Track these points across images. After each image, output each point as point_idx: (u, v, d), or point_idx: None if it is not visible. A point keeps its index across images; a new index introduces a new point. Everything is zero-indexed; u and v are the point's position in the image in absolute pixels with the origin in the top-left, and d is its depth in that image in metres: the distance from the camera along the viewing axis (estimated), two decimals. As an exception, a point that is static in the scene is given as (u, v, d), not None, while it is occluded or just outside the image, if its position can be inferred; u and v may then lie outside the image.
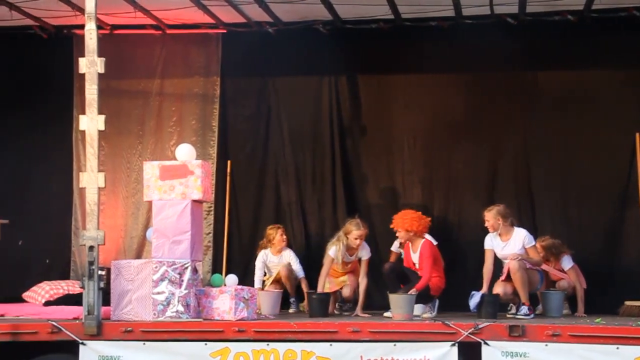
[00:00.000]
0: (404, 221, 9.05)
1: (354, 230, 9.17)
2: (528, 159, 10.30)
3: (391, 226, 9.14)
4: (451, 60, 10.30)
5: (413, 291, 8.63)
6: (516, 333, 7.63)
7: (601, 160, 10.06)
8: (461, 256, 10.05)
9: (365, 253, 9.29)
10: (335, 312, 9.46)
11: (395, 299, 8.54)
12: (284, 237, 9.81)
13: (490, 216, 8.97)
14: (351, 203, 10.44)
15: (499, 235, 8.99)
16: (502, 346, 7.62)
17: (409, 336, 7.79)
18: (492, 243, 9.03)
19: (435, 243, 9.57)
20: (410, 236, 9.06)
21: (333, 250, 9.19)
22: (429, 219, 9.24)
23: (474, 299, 8.58)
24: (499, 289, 8.83)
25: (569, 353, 7.48)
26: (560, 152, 10.21)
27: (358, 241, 9.17)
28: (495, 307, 8.54)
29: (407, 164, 10.46)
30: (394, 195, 10.41)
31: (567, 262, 9.42)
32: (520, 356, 7.55)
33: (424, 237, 9.13)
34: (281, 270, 9.66)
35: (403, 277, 9.01)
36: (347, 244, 9.20)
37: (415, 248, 9.08)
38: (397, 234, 9.17)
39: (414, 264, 9.08)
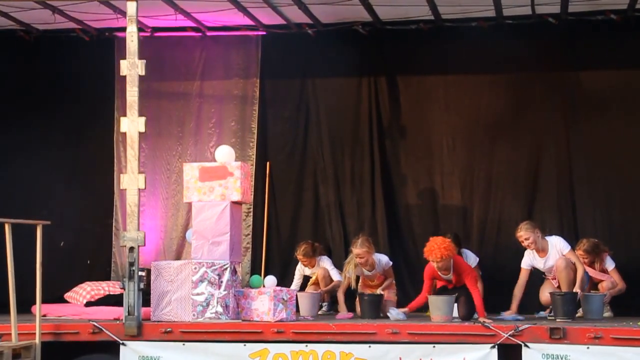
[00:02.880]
0: (441, 250, 8.56)
1: (353, 250, 9.18)
2: (570, 159, 10.19)
3: (433, 258, 8.60)
4: (492, 61, 10.24)
5: (482, 319, 8.24)
6: (557, 335, 7.56)
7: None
8: (501, 258, 9.97)
9: (384, 264, 9.31)
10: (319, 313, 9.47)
11: (434, 300, 8.49)
12: (304, 261, 9.74)
13: (528, 232, 8.78)
14: (390, 204, 10.41)
15: (537, 251, 8.86)
16: (542, 349, 7.55)
17: (448, 338, 7.76)
18: (532, 262, 8.91)
19: (476, 261, 9.50)
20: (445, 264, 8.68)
21: (349, 271, 9.22)
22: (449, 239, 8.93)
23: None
24: (544, 294, 8.73)
25: (611, 356, 7.39)
26: (603, 152, 10.09)
27: (358, 259, 9.14)
28: (575, 305, 8.38)
29: (446, 165, 10.40)
30: (433, 197, 10.35)
31: (610, 262, 9.31)
32: (561, 359, 7.48)
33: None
34: (319, 271, 9.67)
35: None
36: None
37: (446, 272, 8.75)
38: (437, 264, 8.64)
39: (449, 282, 8.90)
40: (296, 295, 8.81)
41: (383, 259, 9.37)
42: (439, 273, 8.76)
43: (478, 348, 7.66)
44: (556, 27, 9.96)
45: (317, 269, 9.75)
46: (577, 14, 9.83)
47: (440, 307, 8.39)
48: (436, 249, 8.58)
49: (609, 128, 10.07)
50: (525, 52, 10.15)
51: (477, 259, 9.69)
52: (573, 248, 9.03)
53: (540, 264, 8.90)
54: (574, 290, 8.55)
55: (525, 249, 8.94)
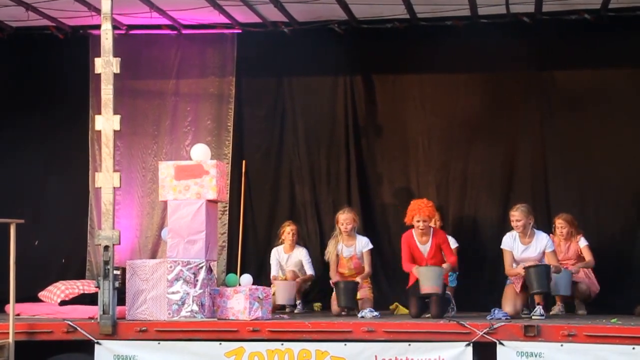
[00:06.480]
0: (428, 209, 8.89)
1: (340, 215, 9.31)
2: (545, 158, 10.25)
3: (421, 217, 8.86)
4: (467, 60, 10.28)
5: (446, 266, 8.62)
6: (531, 333, 7.60)
7: (619, 160, 10.00)
8: (477, 256, 10.01)
9: (363, 245, 9.39)
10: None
11: (424, 270, 8.55)
12: (292, 234, 9.80)
13: (522, 215, 8.80)
14: (366, 203, 10.43)
15: (521, 236, 8.88)
16: (517, 346, 7.60)
17: (423, 336, 7.79)
18: (512, 244, 8.90)
19: (455, 245, 9.53)
20: (427, 226, 8.92)
21: (332, 245, 9.36)
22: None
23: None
24: (509, 305, 8.73)
25: (585, 353, 7.45)
26: (577, 151, 10.15)
27: (345, 225, 9.27)
28: (549, 278, 8.41)
29: (422, 164, 10.43)
30: (409, 196, 10.31)
31: (583, 240, 9.42)
32: (536, 356, 7.53)
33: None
34: (287, 274, 9.67)
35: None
36: (341, 236, 9.34)
37: (425, 239, 8.97)
38: (422, 224, 8.88)
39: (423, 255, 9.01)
40: (273, 289, 8.80)
41: (363, 239, 9.45)
42: (416, 242, 8.86)
43: (453, 346, 7.69)
44: (530, 27, 10.01)
45: (290, 258, 9.74)
46: (551, 14, 9.90)
47: (430, 278, 8.47)
48: (424, 207, 8.86)
49: (583, 127, 10.14)
50: (500, 51, 10.20)
51: (457, 244, 9.68)
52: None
53: (518, 249, 8.89)
54: (548, 264, 8.59)
55: (505, 232, 9.01)
